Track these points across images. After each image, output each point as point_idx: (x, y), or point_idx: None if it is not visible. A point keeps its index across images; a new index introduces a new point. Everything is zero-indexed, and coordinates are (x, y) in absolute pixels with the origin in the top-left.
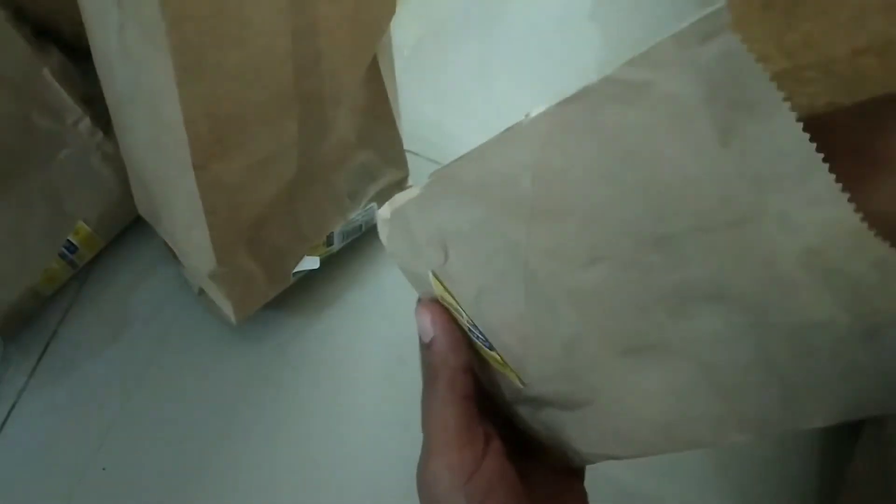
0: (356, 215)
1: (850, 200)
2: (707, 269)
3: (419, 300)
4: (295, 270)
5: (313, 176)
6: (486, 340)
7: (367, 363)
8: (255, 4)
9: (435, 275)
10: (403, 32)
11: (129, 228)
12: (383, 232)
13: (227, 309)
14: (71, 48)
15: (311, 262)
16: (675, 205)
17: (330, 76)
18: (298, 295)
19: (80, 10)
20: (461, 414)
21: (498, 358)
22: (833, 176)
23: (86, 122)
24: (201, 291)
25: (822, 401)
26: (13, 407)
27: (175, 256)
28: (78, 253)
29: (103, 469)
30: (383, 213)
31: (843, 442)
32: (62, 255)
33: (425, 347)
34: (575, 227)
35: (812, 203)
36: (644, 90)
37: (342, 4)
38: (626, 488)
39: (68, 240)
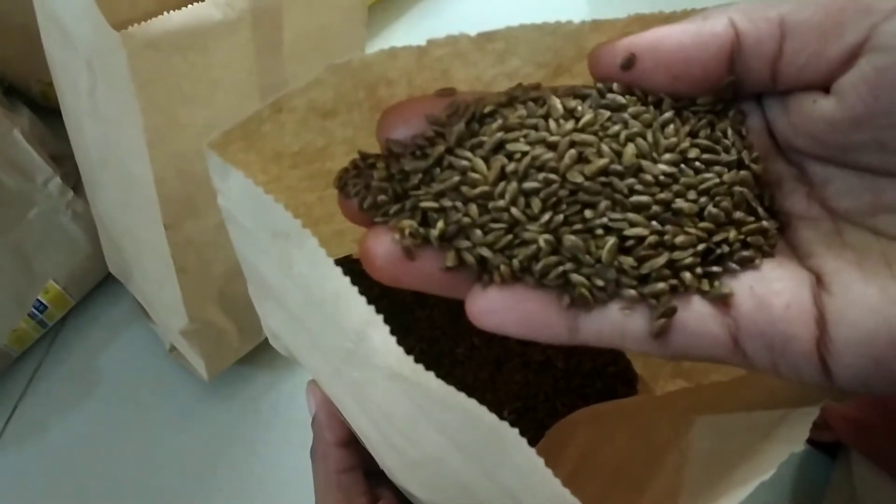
0: None
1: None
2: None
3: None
4: None
5: None
6: None
7: None
8: (224, 66)
9: None
10: None
11: (99, 286)
12: None
13: (199, 366)
14: (41, 107)
15: None
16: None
17: None
18: (270, 350)
19: (51, 71)
20: (337, 488)
21: None
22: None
23: (56, 182)
24: (173, 348)
25: None
26: None
27: (146, 313)
28: (47, 312)
29: None
30: None
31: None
32: (31, 315)
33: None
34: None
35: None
36: (230, 219)
37: (311, 63)
38: None
39: (38, 299)
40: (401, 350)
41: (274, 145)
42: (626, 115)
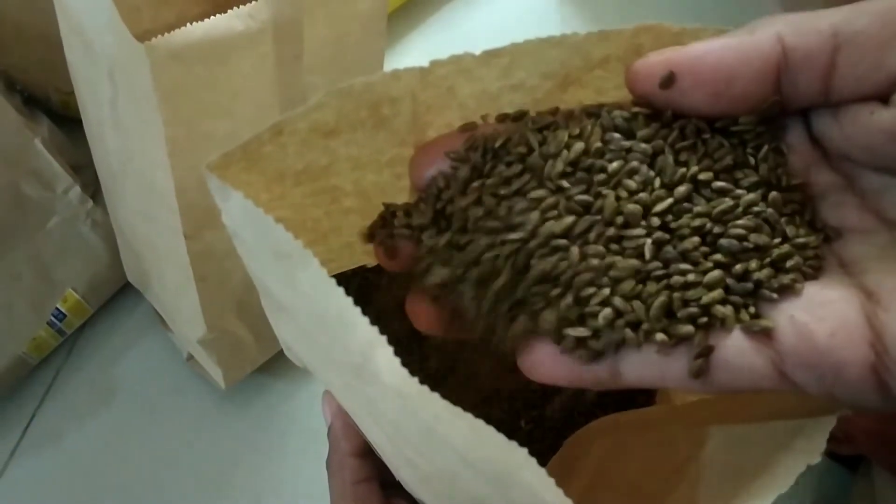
0: None
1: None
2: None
3: None
4: None
5: None
6: None
7: None
8: (245, 77)
9: None
10: None
11: (117, 295)
12: None
13: (217, 375)
14: (60, 116)
15: None
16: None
17: None
18: (287, 360)
19: (72, 81)
20: (353, 498)
21: None
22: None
23: (76, 191)
24: (190, 357)
25: None
26: None
27: (164, 322)
28: (66, 321)
29: None
30: None
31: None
32: (50, 324)
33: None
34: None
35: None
36: (235, 236)
37: (330, 74)
38: None
39: (57, 307)
40: (405, 371)
41: (276, 165)
42: (629, 144)
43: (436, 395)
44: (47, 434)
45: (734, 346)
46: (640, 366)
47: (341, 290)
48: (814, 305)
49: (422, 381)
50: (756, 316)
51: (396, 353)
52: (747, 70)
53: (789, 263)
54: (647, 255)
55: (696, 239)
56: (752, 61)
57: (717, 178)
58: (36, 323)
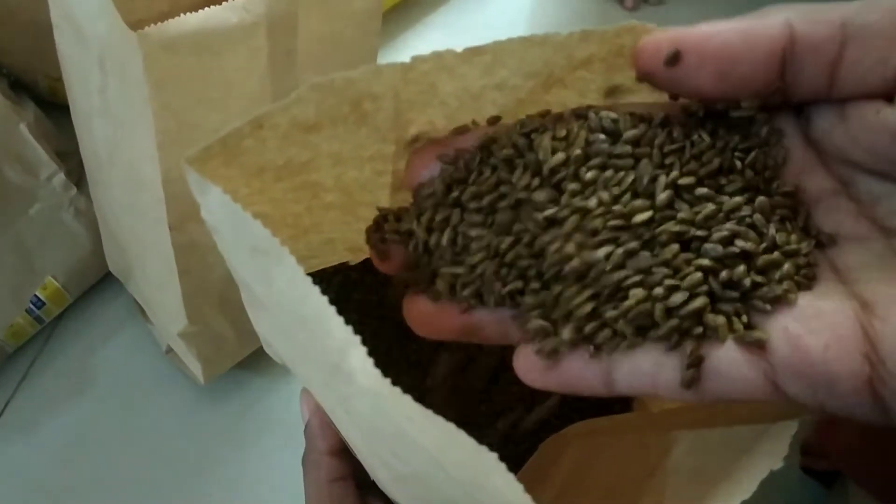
0: None
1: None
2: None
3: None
4: None
5: None
6: None
7: None
8: (238, 70)
9: None
10: None
11: (98, 284)
12: None
13: (196, 368)
14: (47, 102)
15: None
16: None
17: None
18: (267, 356)
19: (61, 68)
20: (328, 497)
21: None
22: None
23: (60, 178)
24: (169, 350)
25: None
26: None
27: (144, 314)
28: (45, 308)
29: None
30: None
31: None
32: (28, 311)
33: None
34: None
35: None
36: (214, 230)
37: (323, 70)
38: None
39: (36, 295)
40: (378, 372)
41: (256, 160)
42: (614, 149)
43: (407, 397)
44: (21, 423)
45: (726, 357)
46: (632, 375)
47: (317, 289)
48: (808, 317)
49: (403, 379)
50: (749, 326)
51: (377, 350)
52: (753, 53)
53: (780, 272)
54: (613, 264)
55: (675, 246)
56: (758, 45)
57: (700, 183)
58: (14, 310)
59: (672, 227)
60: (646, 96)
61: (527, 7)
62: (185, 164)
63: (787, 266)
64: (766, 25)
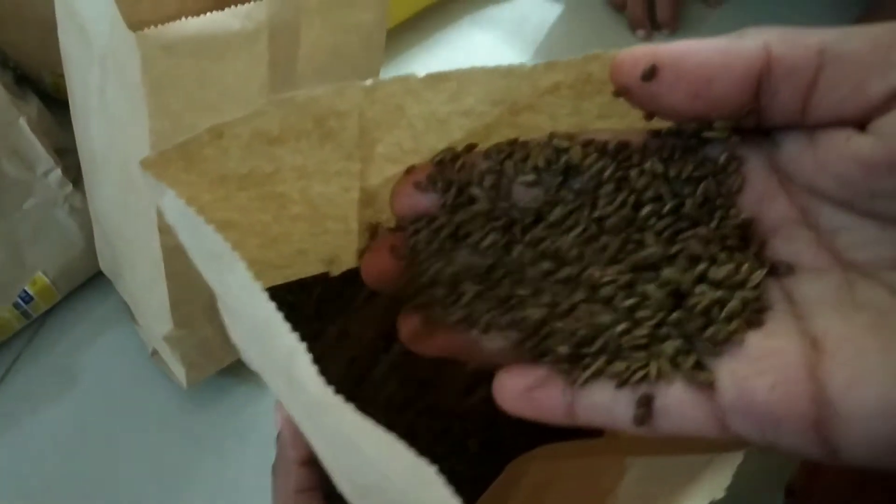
0: None
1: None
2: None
3: None
4: None
5: None
6: None
7: None
8: (237, 76)
9: None
10: None
11: (88, 283)
12: None
13: (179, 373)
14: (51, 98)
15: None
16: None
17: None
18: None
19: (63, 65)
20: None
21: None
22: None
23: (56, 174)
24: (154, 352)
25: None
26: None
27: (132, 315)
28: (33, 304)
29: None
30: None
31: None
32: (16, 305)
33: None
34: None
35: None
36: (176, 234)
37: (324, 82)
38: None
39: (24, 289)
40: (321, 380)
41: (218, 168)
42: (559, 182)
43: (349, 407)
44: (2, 418)
45: (675, 397)
46: (592, 407)
47: (265, 296)
48: (755, 357)
49: (383, 390)
50: (697, 365)
51: (360, 360)
52: (729, 73)
53: (728, 310)
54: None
55: (609, 288)
56: (735, 65)
57: (636, 221)
58: (1, 303)
59: (612, 274)
60: (617, 122)
61: (540, 31)
62: (141, 167)
63: (733, 303)
64: (744, 46)
